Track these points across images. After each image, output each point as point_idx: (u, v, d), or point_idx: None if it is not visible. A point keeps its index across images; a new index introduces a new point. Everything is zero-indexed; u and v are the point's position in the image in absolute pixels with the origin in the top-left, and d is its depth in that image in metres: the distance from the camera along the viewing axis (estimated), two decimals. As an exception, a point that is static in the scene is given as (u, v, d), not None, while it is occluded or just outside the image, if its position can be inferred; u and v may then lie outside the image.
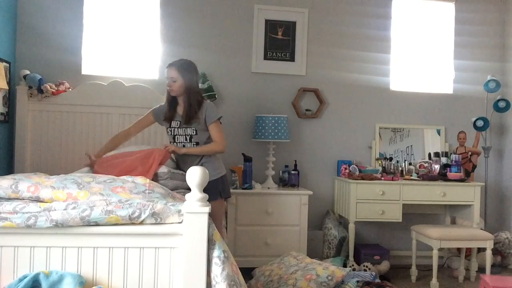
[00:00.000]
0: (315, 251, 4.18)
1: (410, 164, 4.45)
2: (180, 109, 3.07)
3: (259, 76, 4.37)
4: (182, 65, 3.04)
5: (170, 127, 3.12)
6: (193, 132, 3.04)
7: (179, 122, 3.06)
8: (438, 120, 4.65)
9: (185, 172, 2.10)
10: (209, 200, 2.23)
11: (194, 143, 3.06)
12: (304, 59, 4.41)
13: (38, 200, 2.07)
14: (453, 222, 4.48)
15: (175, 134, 3.09)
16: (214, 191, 2.94)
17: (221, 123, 3.12)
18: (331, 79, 4.48)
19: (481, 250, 4.14)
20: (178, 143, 3.09)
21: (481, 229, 4.13)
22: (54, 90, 3.82)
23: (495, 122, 4.66)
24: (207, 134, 3.06)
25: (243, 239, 3.90)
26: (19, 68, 3.90)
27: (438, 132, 4.64)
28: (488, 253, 3.83)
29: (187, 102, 3.00)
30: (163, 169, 2.84)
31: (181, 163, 3.10)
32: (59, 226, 1.88)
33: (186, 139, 3.06)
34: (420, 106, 4.62)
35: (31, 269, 1.91)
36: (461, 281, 4.01)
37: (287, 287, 3.05)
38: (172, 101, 3.11)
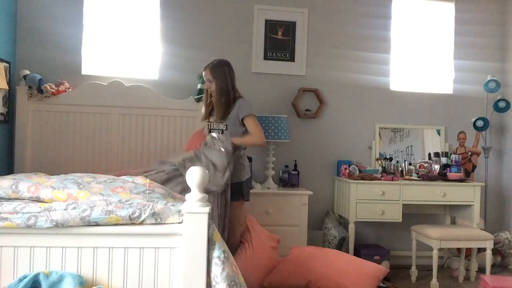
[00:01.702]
0: (315, 251, 4.18)
1: (410, 164, 4.45)
2: (215, 106, 3.30)
3: (259, 76, 4.37)
4: (214, 66, 3.28)
5: (208, 122, 3.40)
6: (224, 127, 3.25)
7: (215, 118, 3.31)
8: (438, 120, 4.65)
9: None
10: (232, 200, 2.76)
11: None
12: (304, 59, 4.41)
13: (38, 200, 2.07)
14: (453, 222, 4.48)
15: (210, 128, 3.33)
16: (239, 192, 3.23)
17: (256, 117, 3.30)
18: (331, 79, 4.47)
19: (481, 250, 4.14)
20: None
21: (481, 229, 4.13)
22: (54, 90, 3.82)
23: (495, 122, 4.66)
24: (238, 129, 3.24)
25: (243, 239, 3.90)
26: (19, 68, 3.90)
27: (438, 132, 4.64)
28: (488, 253, 3.83)
29: (219, 100, 3.24)
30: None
31: None
32: (59, 226, 1.88)
33: (219, 134, 3.26)
34: (420, 106, 4.62)
35: (31, 269, 1.91)
36: (461, 281, 4.01)
37: None
38: (210, 99, 3.37)
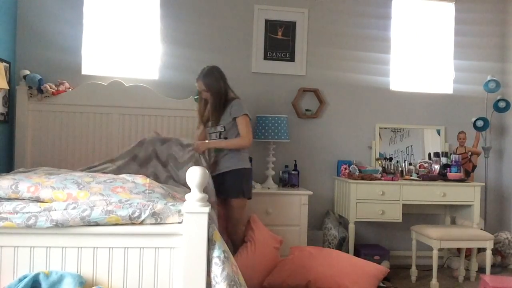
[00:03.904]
0: (315, 251, 4.18)
1: (410, 164, 4.45)
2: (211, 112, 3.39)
3: (259, 76, 4.37)
4: (205, 75, 3.36)
5: (206, 127, 3.50)
6: (221, 129, 3.33)
7: (211, 123, 3.41)
8: (438, 120, 4.65)
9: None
10: (230, 197, 3.03)
11: (224, 139, 3.34)
12: (304, 59, 4.41)
13: (38, 200, 2.07)
14: (453, 222, 4.48)
15: (209, 132, 3.45)
16: (236, 185, 3.27)
17: (250, 119, 3.39)
18: (331, 79, 4.47)
19: (481, 250, 4.14)
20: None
21: (481, 229, 4.13)
22: (54, 90, 3.82)
23: (495, 122, 4.66)
24: (236, 131, 3.32)
25: (243, 239, 3.90)
26: (19, 68, 3.90)
27: (438, 132, 4.64)
28: (488, 253, 3.83)
29: (213, 105, 3.34)
30: None
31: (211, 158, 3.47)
32: (59, 226, 1.88)
33: (217, 136, 3.36)
34: (420, 106, 4.62)
35: (31, 269, 1.92)
36: (461, 281, 4.01)
37: None
38: (206, 105, 3.46)
